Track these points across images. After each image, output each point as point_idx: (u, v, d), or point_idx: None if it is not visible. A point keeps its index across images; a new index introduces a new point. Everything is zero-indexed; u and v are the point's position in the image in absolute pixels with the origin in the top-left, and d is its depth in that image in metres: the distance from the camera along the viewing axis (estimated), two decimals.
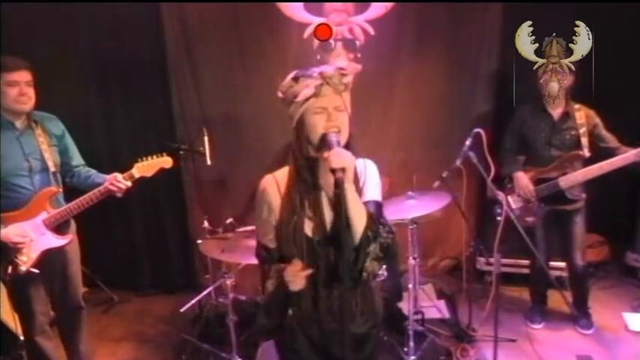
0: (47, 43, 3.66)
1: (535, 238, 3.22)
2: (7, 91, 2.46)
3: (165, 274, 4.16)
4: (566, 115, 3.09)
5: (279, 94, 1.57)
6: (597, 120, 3.09)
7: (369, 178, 1.63)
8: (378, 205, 1.62)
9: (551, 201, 3.13)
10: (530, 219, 3.20)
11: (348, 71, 1.54)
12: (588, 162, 3.05)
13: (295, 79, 1.53)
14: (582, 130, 3.05)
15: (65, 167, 2.75)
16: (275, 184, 1.63)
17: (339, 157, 1.42)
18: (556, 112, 3.11)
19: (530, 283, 3.52)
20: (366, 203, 1.58)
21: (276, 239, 1.64)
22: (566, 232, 3.21)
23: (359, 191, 1.59)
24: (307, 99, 1.50)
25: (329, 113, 1.51)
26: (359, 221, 1.49)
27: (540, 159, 3.16)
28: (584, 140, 3.05)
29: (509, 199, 3.24)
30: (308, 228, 1.58)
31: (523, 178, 3.16)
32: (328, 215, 1.58)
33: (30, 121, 2.59)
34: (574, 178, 3.05)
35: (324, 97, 1.50)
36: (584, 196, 3.13)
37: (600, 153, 3.04)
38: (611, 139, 3.07)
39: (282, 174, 1.64)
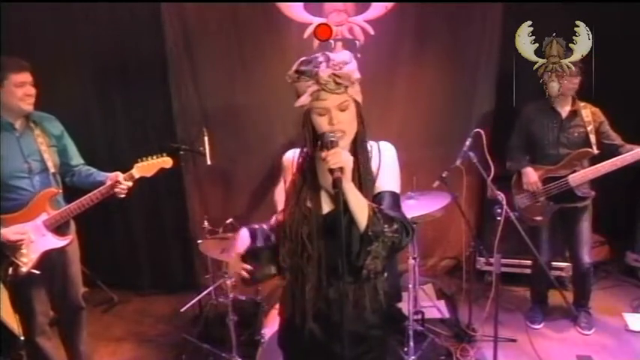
0: (47, 43, 3.66)
1: (539, 237, 3.22)
2: (15, 92, 2.47)
3: (166, 274, 4.16)
4: (574, 114, 3.09)
5: (287, 80, 1.55)
6: (603, 117, 3.10)
7: (384, 166, 1.61)
8: (394, 197, 1.59)
9: (561, 199, 3.12)
10: (539, 218, 3.18)
11: (343, 79, 1.48)
12: (595, 159, 3.06)
13: (298, 72, 1.50)
14: (590, 128, 3.06)
15: (65, 167, 2.75)
16: (292, 160, 1.67)
17: (336, 156, 1.42)
18: (564, 110, 3.10)
19: (531, 283, 3.52)
20: (378, 195, 1.56)
21: (283, 212, 1.65)
22: (574, 229, 3.21)
23: (373, 180, 1.57)
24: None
25: (331, 115, 1.49)
26: (361, 219, 1.48)
27: (547, 158, 3.15)
28: (592, 138, 3.05)
29: (517, 198, 3.23)
30: (309, 206, 1.58)
31: (532, 174, 3.15)
32: (327, 208, 1.58)
33: (29, 122, 2.59)
34: (584, 175, 3.04)
35: (324, 100, 1.48)
36: (593, 193, 3.12)
37: (605, 150, 3.05)
38: (615, 137, 3.09)
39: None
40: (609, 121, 3.12)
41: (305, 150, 1.59)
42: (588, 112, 3.08)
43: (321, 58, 1.49)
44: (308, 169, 1.60)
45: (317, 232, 1.56)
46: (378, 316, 1.67)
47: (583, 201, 3.12)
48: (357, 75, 1.54)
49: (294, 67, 1.52)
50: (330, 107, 1.49)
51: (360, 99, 1.56)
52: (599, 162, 3.03)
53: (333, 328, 1.60)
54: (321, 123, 1.51)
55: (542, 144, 3.16)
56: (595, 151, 3.04)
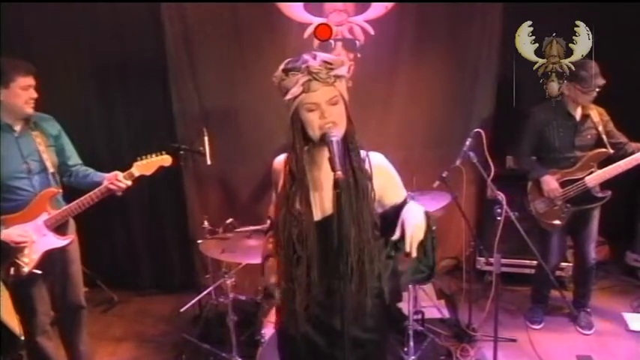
0: (47, 43, 3.66)
1: (550, 241, 3.21)
2: (21, 94, 2.48)
3: (165, 274, 4.16)
4: (586, 116, 3.07)
5: (274, 82, 1.55)
6: (607, 117, 3.10)
7: (390, 176, 1.67)
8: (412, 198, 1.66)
9: (578, 201, 3.10)
10: (557, 222, 3.15)
11: (335, 65, 1.48)
12: (606, 160, 3.06)
13: (285, 71, 1.50)
14: (600, 129, 3.05)
15: (63, 167, 2.75)
16: (283, 164, 1.66)
17: (418, 231, 1.53)
18: (577, 113, 3.08)
19: (533, 283, 3.51)
20: (405, 201, 1.65)
21: (276, 217, 1.66)
22: (585, 228, 3.20)
23: (369, 178, 1.57)
24: (297, 96, 1.47)
25: (322, 109, 1.47)
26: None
27: (561, 161, 3.11)
28: (605, 138, 3.05)
29: (534, 203, 3.19)
30: (299, 207, 1.58)
31: (552, 181, 3.10)
32: (319, 209, 1.59)
33: (28, 123, 2.59)
34: (601, 176, 3.03)
35: (315, 92, 1.46)
36: (609, 192, 3.10)
37: (611, 149, 3.05)
38: (620, 135, 3.10)
39: None
40: (612, 120, 3.12)
41: (295, 151, 1.56)
42: (596, 113, 3.07)
43: (307, 56, 1.50)
44: (296, 170, 1.57)
45: (307, 234, 1.55)
46: (374, 320, 1.67)
47: (599, 202, 3.11)
48: (345, 71, 1.52)
49: (281, 67, 1.52)
50: (320, 102, 1.47)
51: (346, 97, 1.54)
52: (608, 162, 3.03)
53: (331, 333, 1.61)
54: (312, 119, 1.49)
55: (556, 148, 3.11)
56: (610, 150, 3.03)
